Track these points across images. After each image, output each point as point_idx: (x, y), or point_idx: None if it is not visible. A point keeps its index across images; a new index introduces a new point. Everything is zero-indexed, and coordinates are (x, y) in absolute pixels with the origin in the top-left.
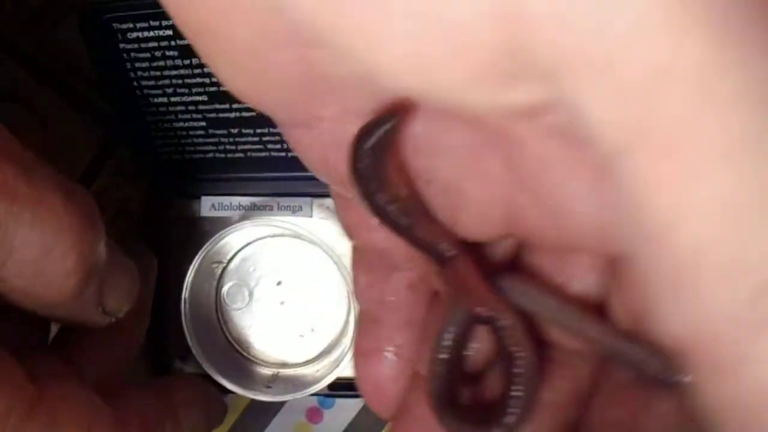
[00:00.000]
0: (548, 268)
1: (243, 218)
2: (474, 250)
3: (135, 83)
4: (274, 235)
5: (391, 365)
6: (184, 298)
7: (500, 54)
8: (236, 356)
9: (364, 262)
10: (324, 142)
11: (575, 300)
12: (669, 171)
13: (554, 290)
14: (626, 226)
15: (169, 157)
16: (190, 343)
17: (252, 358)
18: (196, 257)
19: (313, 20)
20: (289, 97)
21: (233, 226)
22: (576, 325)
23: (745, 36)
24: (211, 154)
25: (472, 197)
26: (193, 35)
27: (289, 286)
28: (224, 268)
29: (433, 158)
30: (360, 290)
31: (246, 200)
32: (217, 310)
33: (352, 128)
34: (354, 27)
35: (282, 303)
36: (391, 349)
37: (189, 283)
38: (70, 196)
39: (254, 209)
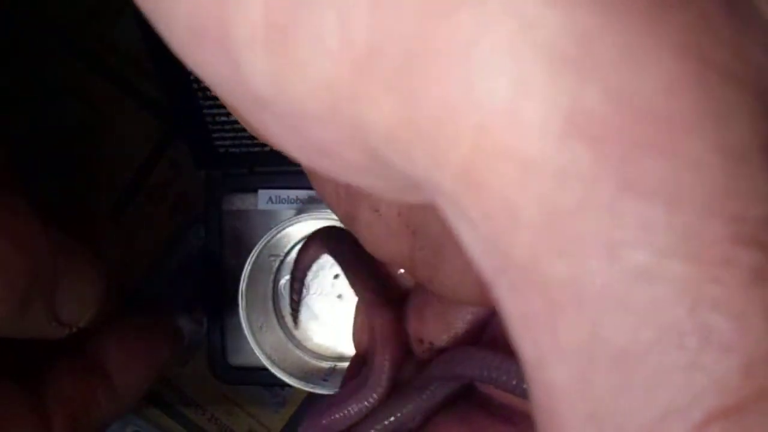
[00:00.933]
0: None
1: (300, 211)
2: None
3: (193, 76)
4: None
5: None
6: (242, 291)
7: (379, 168)
8: (293, 349)
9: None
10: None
11: None
12: (528, 310)
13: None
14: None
15: (227, 151)
16: (247, 336)
17: (309, 351)
18: (254, 250)
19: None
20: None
21: (290, 219)
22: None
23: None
24: (268, 147)
25: (450, 258)
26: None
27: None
28: (281, 261)
29: (422, 209)
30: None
31: (303, 193)
32: (274, 304)
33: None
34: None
35: (339, 296)
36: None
37: (246, 276)
38: None
39: (311, 202)
